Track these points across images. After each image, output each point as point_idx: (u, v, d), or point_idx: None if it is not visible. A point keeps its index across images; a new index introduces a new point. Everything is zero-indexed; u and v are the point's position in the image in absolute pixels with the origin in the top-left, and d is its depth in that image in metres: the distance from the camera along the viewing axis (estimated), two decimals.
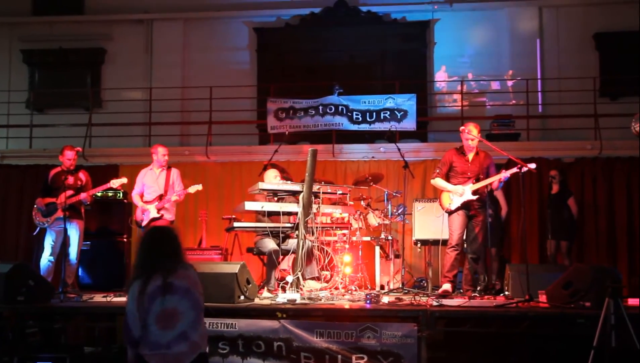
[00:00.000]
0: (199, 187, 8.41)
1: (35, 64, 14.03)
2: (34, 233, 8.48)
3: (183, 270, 3.94)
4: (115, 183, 8.13)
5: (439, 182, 7.55)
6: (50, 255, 8.06)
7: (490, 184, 7.34)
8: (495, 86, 13.01)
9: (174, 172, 8.51)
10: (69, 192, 7.89)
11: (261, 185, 7.18)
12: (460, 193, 7.33)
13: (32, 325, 6.57)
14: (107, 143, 12.17)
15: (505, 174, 7.17)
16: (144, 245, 4.02)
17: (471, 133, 7.35)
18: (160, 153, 8.49)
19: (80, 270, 9.33)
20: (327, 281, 8.04)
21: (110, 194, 9.65)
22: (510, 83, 12.79)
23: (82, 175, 8.22)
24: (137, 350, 3.83)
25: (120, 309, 4.13)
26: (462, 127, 7.62)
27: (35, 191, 9.16)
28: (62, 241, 7.92)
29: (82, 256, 9.18)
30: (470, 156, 7.46)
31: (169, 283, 3.82)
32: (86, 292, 7.93)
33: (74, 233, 8.02)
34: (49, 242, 8.09)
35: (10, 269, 6.50)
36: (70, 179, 8.00)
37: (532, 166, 7.01)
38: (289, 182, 7.92)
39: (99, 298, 7.11)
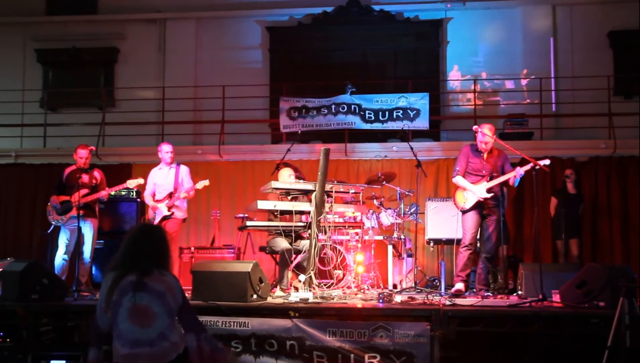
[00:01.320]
0: (206, 182, 8.42)
1: (49, 64, 14.14)
2: (48, 231, 8.52)
3: (159, 274, 3.86)
4: (131, 183, 8.17)
5: (460, 181, 7.49)
6: (65, 253, 8.10)
7: (507, 181, 7.30)
8: (508, 85, 12.96)
9: (183, 169, 8.52)
10: (84, 191, 7.92)
11: (274, 184, 7.17)
12: (475, 193, 7.29)
13: (46, 323, 6.59)
14: (121, 142, 12.22)
15: (520, 170, 7.13)
16: (128, 240, 3.98)
17: (486, 136, 7.31)
18: (163, 150, 8.51)
19: (93, 268, 9.35)
20: (339, 281, 8.03)
21: (123, 193, 9.69)
22: (524, 82, 12.73)
23: (96, 174, 8.26)
24: (95, 347, 3.84)
25: None
26: (475, 127, 7.59)
27: (49, 190, 9.20)
28: (76, 239, 7.95)
29: (95, 255, 9.22)
30: (485, 154, 7.42)
31: (142, 282, 3.77)
32: (99, 291, 7.94)
33: (88, 231, 8.06)
34: (63, 240, 8.13)
35: (25, 267, 6.52)
36: (85, 178, 8.04)
37: (546, 161, 6.96)
38: (301, 181, 7.92)
39: None
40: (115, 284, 3.79)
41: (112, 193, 8.67)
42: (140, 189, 9.68)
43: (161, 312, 3.78)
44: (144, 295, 3.76)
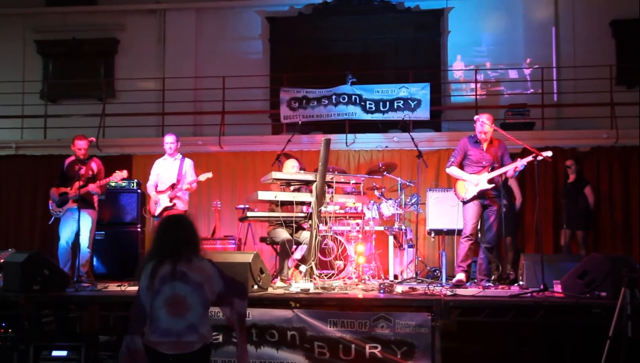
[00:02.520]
0: (210, 175, 8.41)
1: (49, 55, 14.11)
2: (50, 222, 8.52)
3: (198, 262, 3.94)
4: (117, 176, 8.09)
5: (454, 171, 7.49)
6: (65, 243, 8.11)
7: (505, 173, 7.28)
8: (509, 74, 12.92)
9: (187, 162, 8.52)
10: (80, 182, 7.92)
11: (274, 175, 7.16)
12: (475, 183, 7.28)
13: (48, 313, 6.60)
14: (121, 133, 12.19)
15: (521, 162, 7.10)
16: (158, 231, 4.03)
17: (485, 125, 7.29)
18: (165, 141, 8.50)
19: (95, 259, 9.37)
20: (340, 271, 8.03)
21: (124, 184, 9.66)
22: (526, 72, 12.69)
23: (93, 165, 8.19)
24: (139, 335, 3.83)
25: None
26: (476, 117, 7.57)
27: (49, 181, 9.18)
28: (74, 230, 7.95)
29: (96, 246, 9.25)
30: (485, 145, 7.40)
31: (181, 271, 3.83)
32: (101, 281, 7.98)
33: (85, 222, 7.99)
34: (62, 231, 8.14)
35: (26, 258, 6.53)
36: (82, 169, 8.03)
37: (549, 153, 6.93)
38: (302, 172, 7.90)
39: (113, 287, 7.13)
40: (156, 271, 3.84)
41: (113, 183, 8.65)
42: (139, 179, 9.71)
43: (196, 303, 3.85)
44: (183, 286, 3.82)
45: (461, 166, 7.51)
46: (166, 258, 3.88)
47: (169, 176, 8.40)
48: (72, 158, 8.30)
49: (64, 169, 8.28)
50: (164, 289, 3.81)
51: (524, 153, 8.91)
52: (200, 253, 4.02)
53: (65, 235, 8.11)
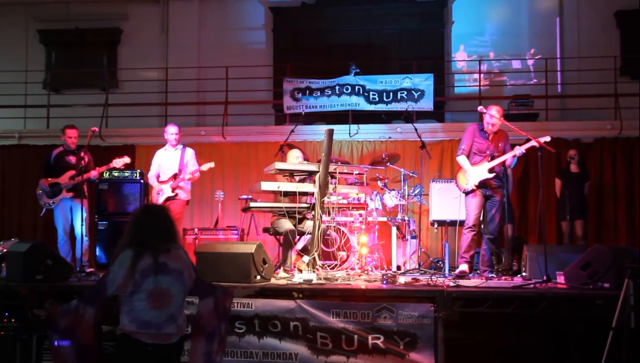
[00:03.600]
0: (212, 164, 8.42)
1: (52, 45, 14.09)
2: (41, 214, 8.52)
3: (175, 250, 3.94)
4: (118, 162, 8.12)
5: (462, 161, 7.45)
6: (63, 235, 8.13)
7: (505, 161, 7.26)
8: (513, 65, 12.87)
9: (189, 151, 8.53)
10: (72, 172, 7.92)
11: (277, 165, 7.15)
12: (477, 174, 7.26)
13: (51, 303, 6.60)
14: (124, 123, 12.19)
15: (520, 149, 7.09)
16: (135, 220, 4.00)
17: (493, 118, 7.26)
18: (168, 131, 8.53)
19: (97, 249, 9.39)
20: (343, 262, 8.03)
21: (126, 174, 9.65)
22: (530, 62, 12.65)
23: (84, 155, 8.20)
24: (94, 307, 3.83)
25: None
26: (480, 108, 7.55)
27: None
28: (71, 220, 7.96)
29: (99, 236, 9.26)
30: (491, 135, 7.39)
31: (162, 263, 3.83)
32: (103, 271, 7.97)
33: (79, 212, 8.00)
34: (59, 224, 8.17)
35: (29, 248, 6.53)
36: (73, 159, 8.03)
37: (547, 138, 6.93)
38: (305, 162, 7.89)
39: None
40: (135, 263, 3.79)
41: (115, 173, 8.66)
42: (142, 169, 9.70)
43: (178, 292, 3.87)
44: (165, 278, 3.82)
45: (468, 155, 7.48)
46: (145, 249, 3.84)
47: (171, 166, 8.41)
48: (60, 148, 8.31)
49: (50, 160, 8.27)
50: (146, 283, 3.78)
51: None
52: (178, 241, 4.06)
53: (63, 226, 8.12)
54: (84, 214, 8.03)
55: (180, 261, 3.92)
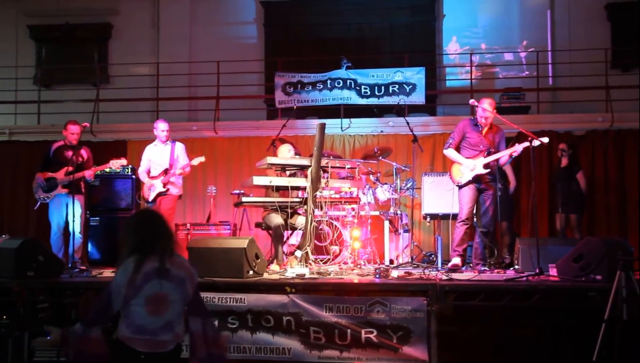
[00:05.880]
0: (202, 159, 8.39)
1: (42, 40, 14.03)
2: (35, 208, 8.48)
3: (177, 257, 3.87)
4: (114, 163, 8.06)
5: (451, 153, 7.47)
6: (57, 230, 8.08)
7: (500, 158, 7.27)
8: (505, 58, 12.88)
9: (179, 146, 8.51)
10: (70, 168, 7.87)
11: (269, 159, 7.14)
12: (471, 168, 7.26)
13: (43, 300, 6.59)
14: (115, 118, 12.15)
15: (517, 148, 7.08)
16: (134, 226, 3.89)
17: (486, 111, 7.26)
18: (159, 128, 8.49)
19: (89, 245, 9.36)
20: (335, 256, 8.03)
21: (119, 170, 9.62)
22: (522, 55, 12.66)
23: (83, 152, 8.13)
24: (100, 327, 3.73)
25: None
26: (472, 101, 7.55)
27: None
28: (65, 216, 7.92)
29: (91, 232, 9.23)
30: (485, 129, 7.38)
31: (166, 269, 3.74)
32: (95, 267, 7.96)
33: (76, 207, 7.91)
34: (53, 218, 8.11)
35: (20, 244, 6.51)
36: (74, 155, 7.98)
37: (545, 139, 6.92)
38: (297, 157, 7.88)
39: (108, 273, 7.12)
40: (138, 270, 3.70)
41: (107, 169, 8.62)
42: (133, 165, 9.66)
43: (177, 300, 3.77)
44: (167, 283, 3.74)
45: (458, 149, 7.49)
46: (150, 254, 3.76)
47: (162, 162, 8.39)
48: (60, 143, 8.23)
49: (49, 154, 8.22)
50: (147, 287, 3.69)
51: (519, 137, 8.89)
52: (176, 249, 3.97)
53: (57, 221, 8.08)
54: (79, 211, 7.99)
55: (183, 269, 3.84)
